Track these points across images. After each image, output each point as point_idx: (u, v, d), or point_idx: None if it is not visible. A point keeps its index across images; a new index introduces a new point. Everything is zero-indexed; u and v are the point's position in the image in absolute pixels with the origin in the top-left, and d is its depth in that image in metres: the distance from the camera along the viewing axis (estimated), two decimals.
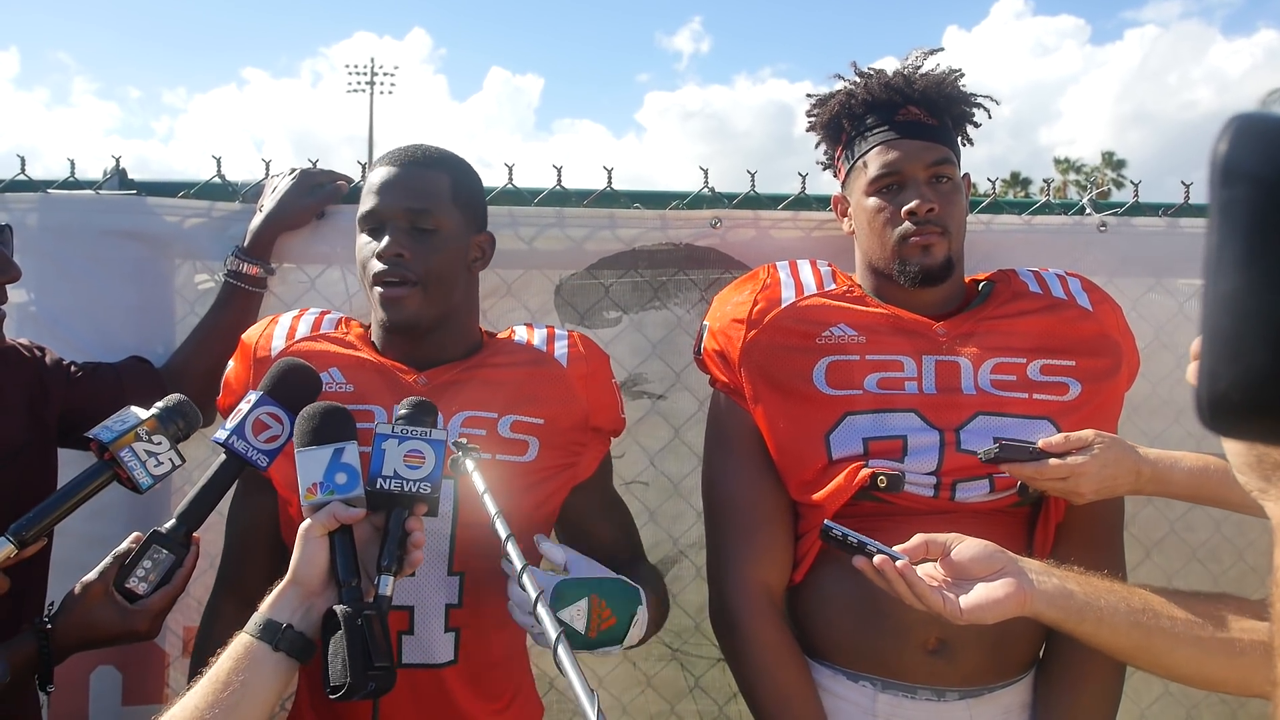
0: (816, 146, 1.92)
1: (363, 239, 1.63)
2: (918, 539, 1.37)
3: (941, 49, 1.83)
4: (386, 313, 1.58)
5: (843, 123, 1.80)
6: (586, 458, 1.69)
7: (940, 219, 1.69)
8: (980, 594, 1.30)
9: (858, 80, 1.81)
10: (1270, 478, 0.70)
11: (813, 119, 1.88)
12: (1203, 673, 1.32)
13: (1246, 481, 0.73)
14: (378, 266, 1.58)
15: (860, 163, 1.75)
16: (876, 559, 1.35)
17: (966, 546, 1.34)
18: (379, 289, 1.58)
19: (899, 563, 1.34)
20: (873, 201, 1.73)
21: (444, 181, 1.62)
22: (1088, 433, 1.56)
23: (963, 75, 1.79)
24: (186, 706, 1.19)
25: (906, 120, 1.72)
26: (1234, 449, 0.73)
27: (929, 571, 1.36)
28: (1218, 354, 0.54)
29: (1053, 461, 1.53)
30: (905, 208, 1.68)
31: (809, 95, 1.90)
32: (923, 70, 1.79)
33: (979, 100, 1.82)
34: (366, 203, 1.62)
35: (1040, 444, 1.55)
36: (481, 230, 1.70)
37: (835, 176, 1.89)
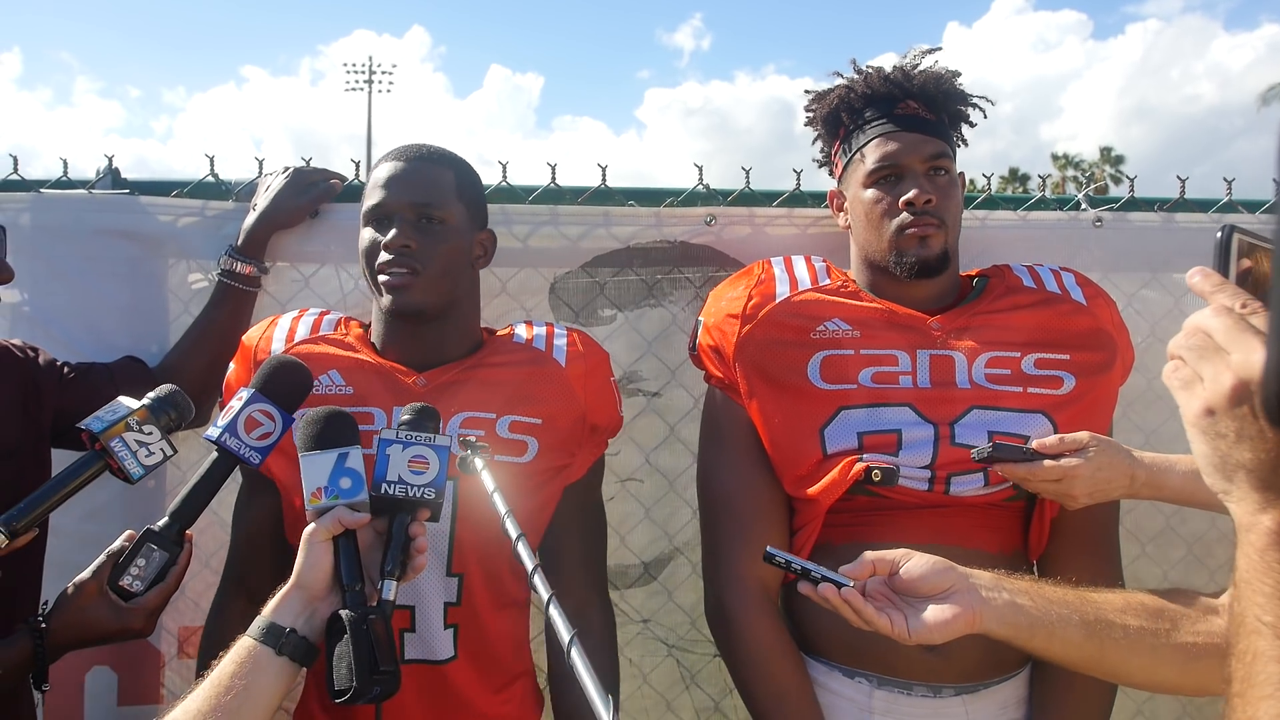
0: (814, 142, 1.92)
1: (367, 232, 1.64)
2: (864, 559, 1.33)
3: (940, 48, 1.83)
4: (392, 300, 1.59)
5: (841, 116, 1.81)
6: (581, 458, 1.69)
7: (937, 211, 1.69)
8: (929, 615, 1.27)
9: (856, 76, 1.82)
10: (1233, 479, 0.70)
11: (811, 113, 1.89)
12: (1156, 680, 1.31)
13: (1211, 482, 0.73)
14: (384, 257, 1.59)
15: (858, 155, 1.76)
16: (820, 587, 1.31)
17: (915, 564, 1.30)
18: (384, 277, 1.60)
19: (844, 590, 1.30)
20: (870, 193, 1.73)
21: (449, 177, 1.64)
22: (1082, 435, 1.55)
23: (960, 75, 1.79)
24: (188, 709, 1.19)
25: (905, 114, 1.73)
26: (1200, 449, 0.73)
27: (876, 588, 1.32)
28: None
29: (1046, 463, 1.53)
30: (903, 198, 1.68)
31: (807, 91, 1.90)
32: (921, 67, 1.79)
33: (975, 100, 1.82)
34: (373, 197, 1.63)
35: (1034, 445, 1.55)
36: (483, 228, 1.72)
37: (832, 174, 1.89)
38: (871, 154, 1.72)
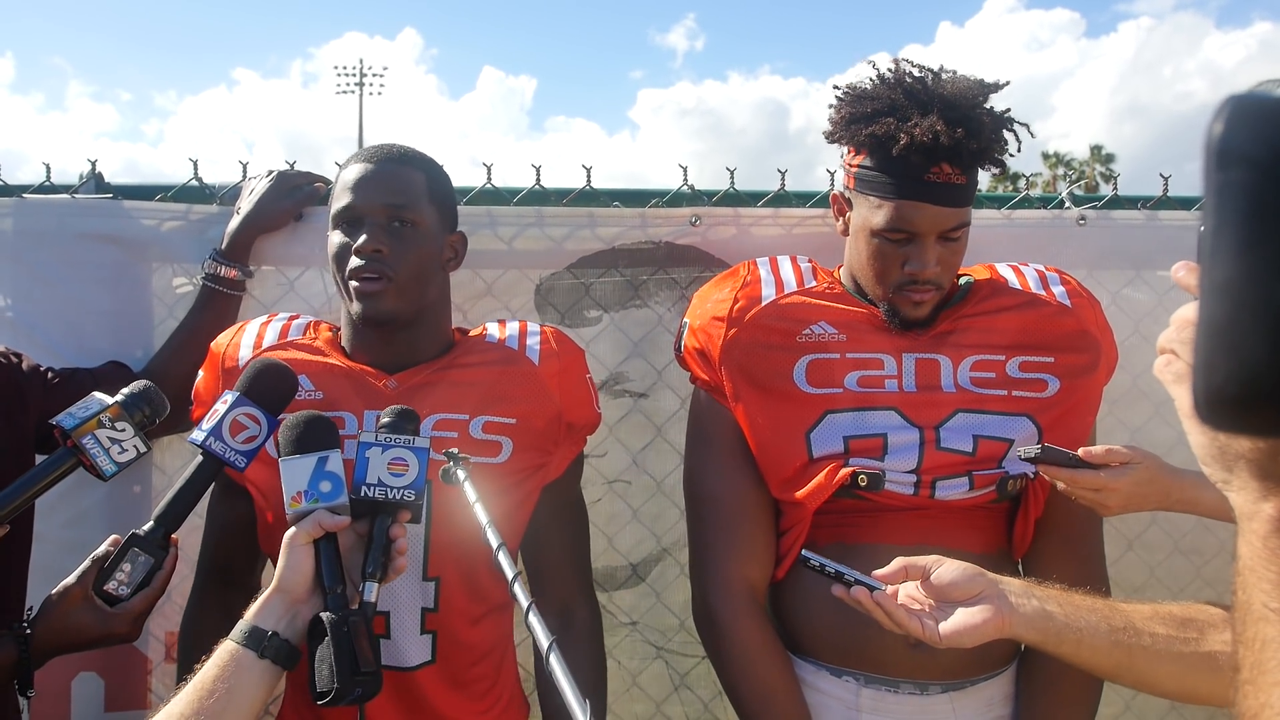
0: (832, 139, 1.75)
1: (336, 235, 1.61)
2: (897, 564, 1.37)
3: (1008, 83, 1.69)
4: (363, 307, 1.57)
5: (869, 148, 1.66)
6: (558, 456, 1.68)
7: (938, 279, 1.65)
8: (959, 619, 1.31)
9: (902, 109, 1.63)
10: (1233, 469, 0.70)
11: (840, 126, 1.72)
12: (1184, 688, 1.32)
13: (1211, 473, 0.73)
14: (355, 262, 1.57)
15: (875, 198, 1.64)
16: (853, 590, 1.36)
17: (946, 570, 1.33)
18: (355, 284, 1.57)
19: (875, 593, 1.35)
20: (877, 243, 1.65)
21: (420, 179, 1.62)
22: (1128, 450, 1.55)
23: (1010, 118, 1.68)
24: (171, 714, 1.20)
25: (937, 182, 1.60)
26: (1198, 440, 0.73)
27: (910, 593, 1.36)
28: (1214, 346, 0.52)
29: (1101, 474, 1.53)
30: (908, 268, 1.63)
31: (838, 92, 1.74)
32: (974, 132, 1.61)
33: (1018, 137, 1.70)
34: (341, 199, 1.60)
35: (1081, 453, 1.55)
36: (453, 230, 1.70)
37: (840, 171, 1.77)
38: (888, 211, 1.62)
